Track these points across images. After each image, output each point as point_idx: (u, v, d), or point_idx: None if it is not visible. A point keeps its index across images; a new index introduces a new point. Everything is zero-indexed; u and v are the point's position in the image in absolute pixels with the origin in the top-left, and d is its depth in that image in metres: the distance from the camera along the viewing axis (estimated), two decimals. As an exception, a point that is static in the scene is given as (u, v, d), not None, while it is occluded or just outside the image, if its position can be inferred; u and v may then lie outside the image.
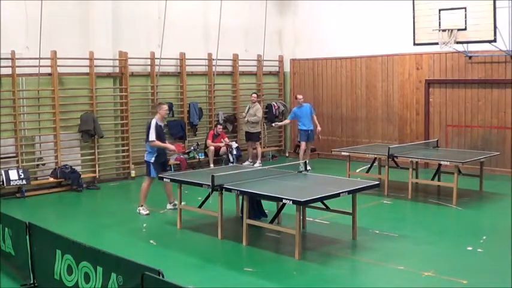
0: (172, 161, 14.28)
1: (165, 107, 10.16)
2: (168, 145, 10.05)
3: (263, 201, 9.22)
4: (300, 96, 14.55)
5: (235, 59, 15.88)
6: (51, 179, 12.19)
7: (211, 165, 14.07)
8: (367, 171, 12.18)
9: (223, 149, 14.48)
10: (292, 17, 17.06)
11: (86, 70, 12.88)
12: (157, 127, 9.80)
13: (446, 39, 12.41)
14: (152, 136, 9.72)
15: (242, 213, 8.37)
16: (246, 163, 14.84)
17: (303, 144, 14.40)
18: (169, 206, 10.18)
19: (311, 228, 8.95)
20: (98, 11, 12.91)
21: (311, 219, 9.19)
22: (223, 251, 8.20)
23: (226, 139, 14.57)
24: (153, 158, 9.84)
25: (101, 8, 12.93)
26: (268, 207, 9.32)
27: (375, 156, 12.05)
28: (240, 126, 15.81)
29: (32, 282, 6.45)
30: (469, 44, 12.87)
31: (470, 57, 13.36)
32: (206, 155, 14.68)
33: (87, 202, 11.63)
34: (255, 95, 15.15)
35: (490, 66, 13.23)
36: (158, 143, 9.75)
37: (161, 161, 9.99)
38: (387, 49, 14.83)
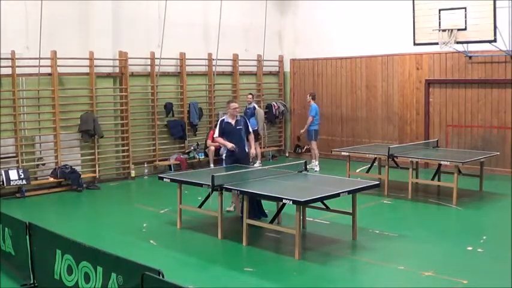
0: (172, 161, 14.32)
1: (233, 105, 9.83)
2: (226, 143, 9.69)
3: (263, 201, 9.22)
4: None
5: (235, 59, 15.88)
6: (51, 179, 12.19)
7: (211, 165, 14.06)
8: (367, 171, 12.18)
9: (223, 149, 14.45)
10: (292, 17, 17.07)
11: (86, 70, 12.88)
12: (223, 124, 9.75)
13: (446, 39, 12.41)
14: (215, 133, 9.88)
15: (242, 213, 8.37)
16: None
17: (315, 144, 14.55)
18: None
19: (311, 228, 8.95)
20: (98, 11, 12.91)
21: (311, 219, 9.19)
22: (223, 251, 8.20)
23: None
24: (225, 153, 9.93)
25: (101, 8, 12.93)
26: (268, 207, 9.32)
27: (375, 156, 12.05)
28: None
29: (32, 282, 6.45)
30: (469, 44, 12.87)
31: (470, 57, 13.36)
32: (206, 155, 14.68)
33: (87, 202, 11.62)
34: (250, 96, 14.79)
35: (490, 66, 13.23)
36: (219, 140, 9.76)
37: (234, 157, 9.76)
38: (387, 49, 14.83)
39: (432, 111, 14.35)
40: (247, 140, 9.94)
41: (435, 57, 14.06)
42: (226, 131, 9.73)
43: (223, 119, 9.87)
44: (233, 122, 9.75)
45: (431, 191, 11.63)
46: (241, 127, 9.77)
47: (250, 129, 9.98)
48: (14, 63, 11.56)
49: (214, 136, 10.00)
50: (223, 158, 10.07)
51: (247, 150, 9.89)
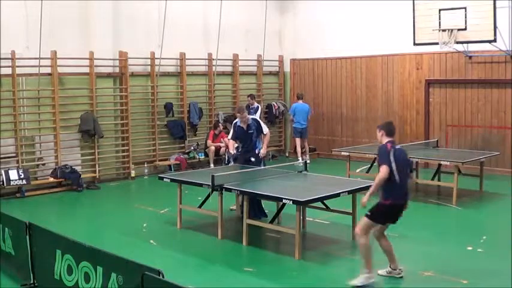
0: (172, 161, 14.32)
1: (238, 115, 9.89)
2: (230, 146, 9.99)
3: (263, 201, 9.22)
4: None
5: (235, 59, 15.88)
6: (51, 179, 12.18)
7: (212, 165, 14.07)
8: (367, 171, 12.17)
9: (223, 149, 14.47)
10: (292, 17, 17.06)
11: (86, 70, 12.88)
12: (236, 127, 9.90)
13: (446, 39, 12.41)
14: (229, 135, 10.12)
15: (242, 213, 8.37)
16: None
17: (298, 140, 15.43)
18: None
19: (311, 228, 8.95)
20: (98, 11, 12.91)
21: (311, 219, 9.19)
22: (223, 251, 8.20)
23: (226, 139, 14.55)
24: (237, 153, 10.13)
25: (101, 8, 12.93)
26: (268, 207, 9.32)
27: (375, 156, 12.00)
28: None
29: (32, 282, 6.45)
30: (469, 44, 12.87)
31: (470, 57, 13.36)
32: (206, 155, 14.68)
33: (87, 202, 11.62)
34: (249, 98, 14.77)
35: (490, 66, 13.23)
36: (229, 142, 10.02)
37: (244, 158, 9.88)
38: (387, 49, 14.83)
39: (432, 111, 14.35)
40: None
41: (435, 57, 14.06)
42: (239, 135, 9.84)
43: (237, 122, 9.92)
44: (245, 127, 9.78)
45: (431, 191, 11.63)
46: (252, 131, 9.77)
47: (265, 131, 9.89)
48: (14, 63, 11.56)
49: (228, 138, 10.16)
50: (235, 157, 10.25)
51: (256, 152, 9.87)
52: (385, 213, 6.12)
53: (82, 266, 5.47)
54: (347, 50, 15.67)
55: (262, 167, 9.81)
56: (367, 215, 6.27)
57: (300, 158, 15.32)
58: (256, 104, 15.08)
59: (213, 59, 15.16)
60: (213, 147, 14.29)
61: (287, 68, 17.33)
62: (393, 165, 6.03)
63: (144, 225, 9.42)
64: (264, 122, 10.11)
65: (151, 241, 8.49)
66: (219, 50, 15.04)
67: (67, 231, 6.87)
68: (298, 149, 15.53)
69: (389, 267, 6.63)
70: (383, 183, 6.04)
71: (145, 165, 13.97)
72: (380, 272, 6.59)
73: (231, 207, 9.90)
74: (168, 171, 13.88)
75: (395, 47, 14.55)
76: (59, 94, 12.35)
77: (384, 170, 6.02)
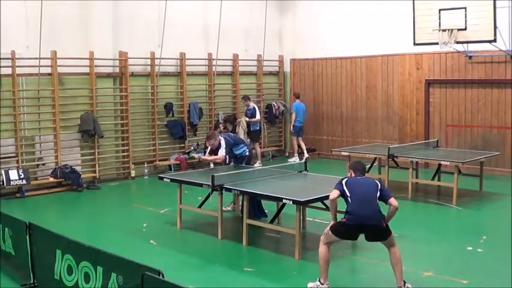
0: (172, 161, 14.32)
1: (206, 142, 10.52)
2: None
3: (263, 201, 9.22)
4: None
5: (235, 59, 15.88)
6: (51, 179, 12.19)
7: (212, 165, 14.05)
8: (367, 171, 12.15)
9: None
10: (292, 17, 17.06)
11: (86, 70, 12.88)
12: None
13: (446, 39, 12.42)
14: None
15: (242, 213, 8.37)
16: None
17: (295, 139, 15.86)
18: None
19: (311, 228, 8.95)
20: (98, 11, 12.91)
21: (311, 219, 9.19)
22: (223, 251, 8.20)
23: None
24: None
25: (101, 8, 12.93)
26: (268, 207, 9.32)
27: (375, 156, 12.05)
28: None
29: (32, 282, 6.45)
30: (469, 44, 12.88)
31: (470, 57, 13.36)
32: (206, 155, 14.67)
33: (87, 202, 11.62)
34: (243, 100, 15.12)
35: (490, 66, 13.23)
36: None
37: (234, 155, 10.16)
38: (387, 49, 14.83)
39: (432, 111, 14.35)
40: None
41: (435, 57, 14.06)
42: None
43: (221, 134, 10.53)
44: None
45: (431, 191, 11.63)
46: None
47: (219, 154, 9.90)
48: (14, 63, 11.56)
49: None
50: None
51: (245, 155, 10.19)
52: (341, 229, 6.31)
53: (82, 266, 5.47)
54: (347, 50, 15.68)
55: (260, 167, 9.85)
56: (330, 226, 6.41)
57: (296, 155, 15.51)
58: (252, 105, 15.04)
59: (213, 59, 15.16)
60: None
61: (287, 68, 17.34)
62: (345, 189, 6.33)
63: (144, 225, 9.42)
64: (228, 144, 10.11)
65: (151, 241, 8.49)
66: (219, 50, 15.04)
67: (67, 231, 6.86)
68: (295, 147, 15.78)
69: (319, 280, 6.40)
70: (333, 203, 6.40)
71: (145, 165, 13.97)
72: (310, 285, 6.44)
73: (225, 208, 9.79)
74: (168, 171, 13.88)
75: (395, 47, 14.55)
76: (59, 94, 12.35)
77: (331, 193, 6.38)
